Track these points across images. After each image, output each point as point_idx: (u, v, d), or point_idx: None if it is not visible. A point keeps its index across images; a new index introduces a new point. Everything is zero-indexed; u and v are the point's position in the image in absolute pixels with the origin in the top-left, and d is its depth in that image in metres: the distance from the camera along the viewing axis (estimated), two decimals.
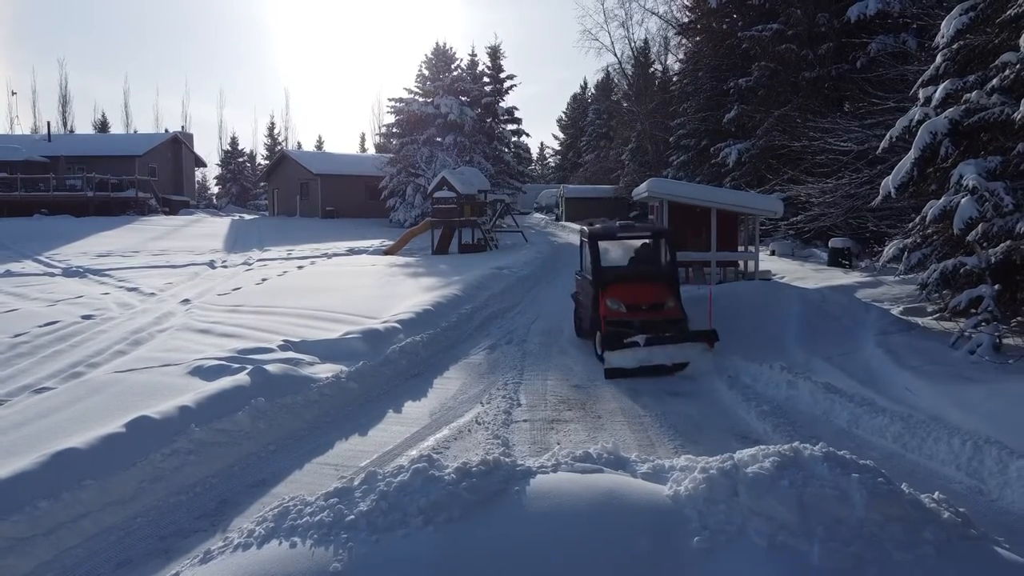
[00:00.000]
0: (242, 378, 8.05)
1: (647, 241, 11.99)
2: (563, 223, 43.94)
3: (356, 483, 3.80)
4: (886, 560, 3.23)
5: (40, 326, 11.95)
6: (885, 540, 3.31)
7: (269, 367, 8.49)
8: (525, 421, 7.93)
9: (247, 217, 47.17)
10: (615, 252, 11.95)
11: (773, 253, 22.70)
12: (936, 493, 3.91)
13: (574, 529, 3.42)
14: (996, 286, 9.15)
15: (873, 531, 3.33)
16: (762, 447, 3.68)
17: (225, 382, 7.94)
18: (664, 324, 10.02)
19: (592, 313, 10.58)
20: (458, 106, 37.33)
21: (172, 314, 13.52)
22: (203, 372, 8.50)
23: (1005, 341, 8.80)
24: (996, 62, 9.65)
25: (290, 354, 9.53)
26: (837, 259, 19.09)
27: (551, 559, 3.28)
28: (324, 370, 9.10)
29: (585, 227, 11.89)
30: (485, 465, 3.79)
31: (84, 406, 7.37)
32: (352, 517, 3.49)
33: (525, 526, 3.45)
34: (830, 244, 19.67)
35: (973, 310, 9.49)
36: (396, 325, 11.56)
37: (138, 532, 5.46)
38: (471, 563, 3.25)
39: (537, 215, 51.81)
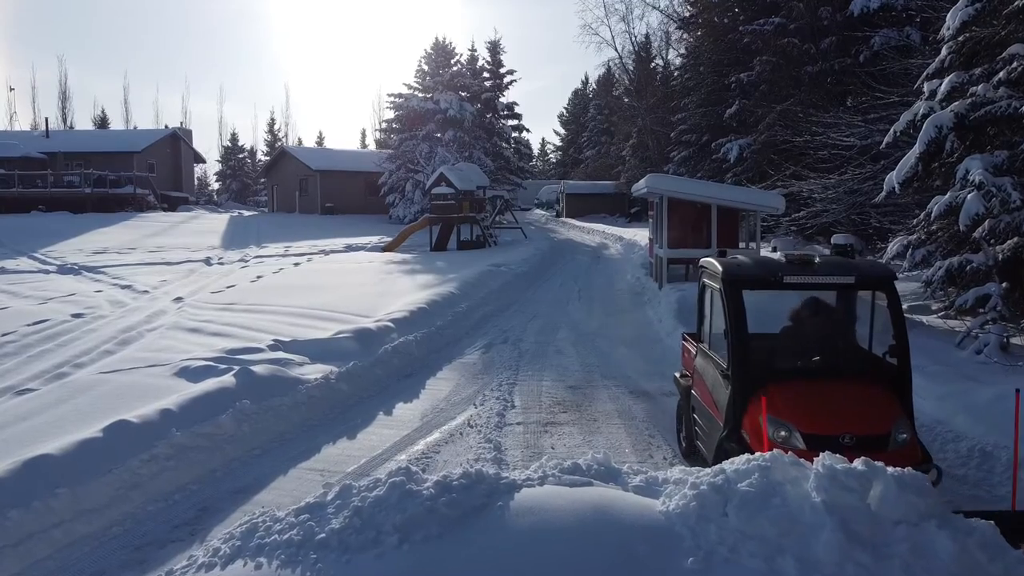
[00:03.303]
0: (227, 379, 7.85)
1: (846, 294, 6.22)
2: (564, 219, 43.76)
3: (329, 497, 3.59)
4: None
5: (29, 325, 11.75)
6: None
7: (256, 368, 8.28)
8: (519, 424, 7.73)
9: (246, 213, 46.95)
10: (776, 313, 6.30)
11: (775, 250, 22.42)
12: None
13: (560, 547, 3.21)
14: (1004, 284, 8.92)
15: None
16: (756, 457, 3.46)
17: (210, 384, 7.73)
18: None
19: (729, 438, 5.31)
20: (457, 102, 37.09)
21: (164, 312, 13.31)
22: (189, 373, 8.30)
23: (1013, 341, 8.57)
24: (1003, 54, 9.41)
25: (279, 354, 9.32)
26: (840, 256, 18.84)
27: None
28: (314, 371, 8.88)
29: (715, 260, 6.03)
30: (467, 478, 3.58)
31: (64, 409, 7.18)
32: (323, 535, 3.28)
33: (507, 544, 3.24)
34: (832, 240, 19.36)
35: (980, 309, 9.26)
36: (389, 324, 11.34)
37: (113, 542, 5.27)
38: None
39: (538, 211, 51.63)
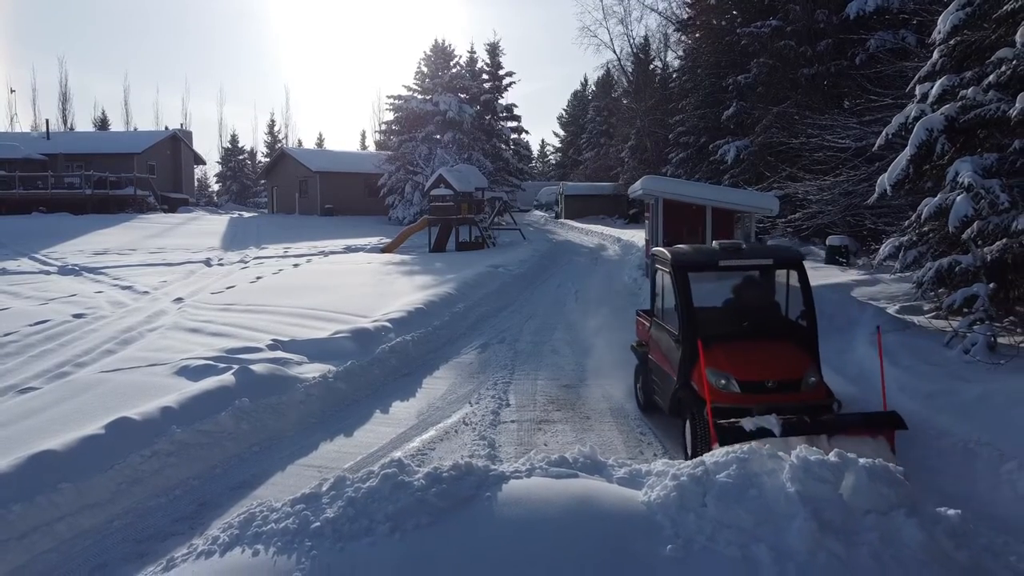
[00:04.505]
0: (227, 378, 7.98)
1: (766, 273, 7.63)
2: (562, 220, 43.88)
3: (324, 488, 3.72)
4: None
5: (30, 325, 11.89)
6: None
7: (255, 367, 8.41)
8: (513, 422, 7.85)
9: (246, 215, 47.10)
10: (714, 290, 7.86)
11: None
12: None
13: (545, 536, 3.33)
14: (991, 285, 9.03)
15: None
16: (735, 449, 3.59)
17: (210, 382, 7.86)
18: (803, 413, 5.99)
19: (681, 388, 6.76)
20: (457, 103, 37.23)
21: (164, 313, 13.44)
22: (189, 372, 8.43)
23: (999, 340, 8.69)
24: (992, 58, 9.52)
25: (278, 353, 9.45)
26: (834, 257, 18.93)
27: (520, 567, 3.20)
28: (312, 370, 9.02)
29: (664, 249, 7.75)
30: (456, 470, 3.71)
31: (67, 407, 7.31)
32: (318, 524, 3.41)
33: (494, 533, 3.37)
34: (827, 242, 19.51)
35: (965, 309, 9.38)
36: (387, 324, 11.47)
37: (114, 536, 5.40)
38: (437, 572, 3.16)
39: (537, 212, 51.77)
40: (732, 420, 5.74)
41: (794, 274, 7.23)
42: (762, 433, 5.52)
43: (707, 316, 7.19)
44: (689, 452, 6.60)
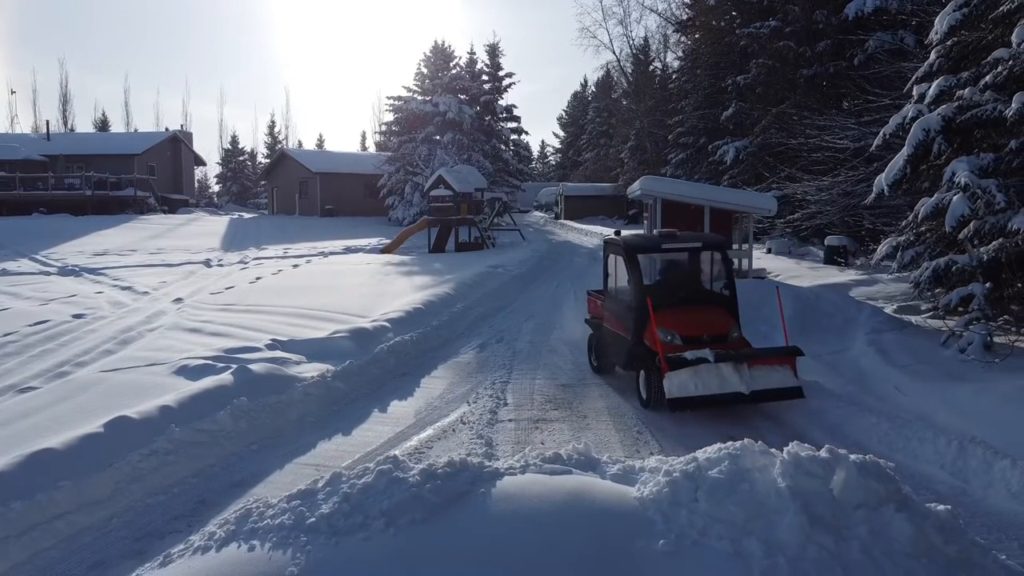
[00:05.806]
0: (225, 377, 8.00)
1: (696, 254, 9.34)
2: (562, 221, 43.91)
3: (320, 484, 3.75)
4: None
5: (30, 325, 11.92)
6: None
7: (254, 366, 8.44)
8: (511, 421, 7.88)
9: (246, 216, 47.17)
10: (656, 268, 9.85)
11: (770, 251, 22.63)
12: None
13: (538, 531, 3.36)
14: (987, 284, 9.06)
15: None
16: (728, 446, 3.61)
17: (208, 382, 7.89)
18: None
19: (635, 347, 8.38)
20: (457, 104, 37.28)
21: (163, 313, 13.47)
22: (188, 371, 8.46)
23: (996, 340, 8.72)
24: (989, 59, 9.57)
25: (277, 353, 9.48)
26: (833, 257, 19.00)
27: (513, 561, 3.23)
28: (310, 369, 9.04)
29: (615, 236, 9.46)
30: (451, 466, 3.74)
31: (66, 406, 7.33)
32: (313, 519, 3.44)
33: (488, 528, 3.40)
34: (826, 242, 19.57)
35: (961, 308, 9.42)
36: (385, 324, 11.50)
37: (113, 533, 5.42)
38: (430, 566, 3.19)
39: (537, 213, 51.85)
40: (677, 353, 7.53)
41: (718, 255, 9.07)
42: (700, 360, 7.43)
43: (653, 289, 8.95)
44: (644, 395, 8.14)
